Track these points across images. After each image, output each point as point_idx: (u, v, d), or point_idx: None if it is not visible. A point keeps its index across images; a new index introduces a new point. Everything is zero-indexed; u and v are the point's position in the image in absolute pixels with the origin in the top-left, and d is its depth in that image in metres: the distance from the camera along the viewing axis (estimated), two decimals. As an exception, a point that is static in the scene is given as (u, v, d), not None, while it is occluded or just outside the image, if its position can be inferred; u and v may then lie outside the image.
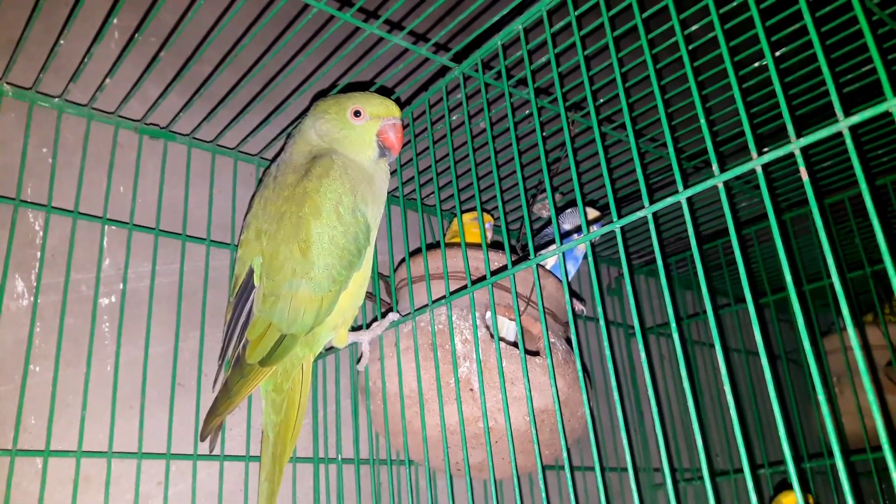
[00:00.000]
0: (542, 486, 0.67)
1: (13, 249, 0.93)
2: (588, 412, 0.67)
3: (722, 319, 1.93)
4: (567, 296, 0.70)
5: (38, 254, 0.96)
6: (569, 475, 0.66)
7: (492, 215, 1.33)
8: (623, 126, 1.17)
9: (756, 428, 1.67)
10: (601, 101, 1.05)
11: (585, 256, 1.25)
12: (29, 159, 0.98)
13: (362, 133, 0.92)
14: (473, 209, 1.33)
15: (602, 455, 1.48)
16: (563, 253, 0.71)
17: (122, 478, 0.94)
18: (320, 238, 0.86)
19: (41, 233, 0.98)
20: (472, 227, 1.23)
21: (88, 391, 0.91)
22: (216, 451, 0.99)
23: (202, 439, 0.91)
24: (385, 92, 1.07)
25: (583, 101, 1.13)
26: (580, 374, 0.74)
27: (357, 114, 0.92)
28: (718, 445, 1.78)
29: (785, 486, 1.47)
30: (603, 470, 0.65)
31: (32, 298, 0.94)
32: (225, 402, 0.88)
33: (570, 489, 0.66)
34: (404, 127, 0.97)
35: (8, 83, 0.97)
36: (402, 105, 1.01)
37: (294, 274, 0.86)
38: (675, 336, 0.61)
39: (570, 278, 1.29)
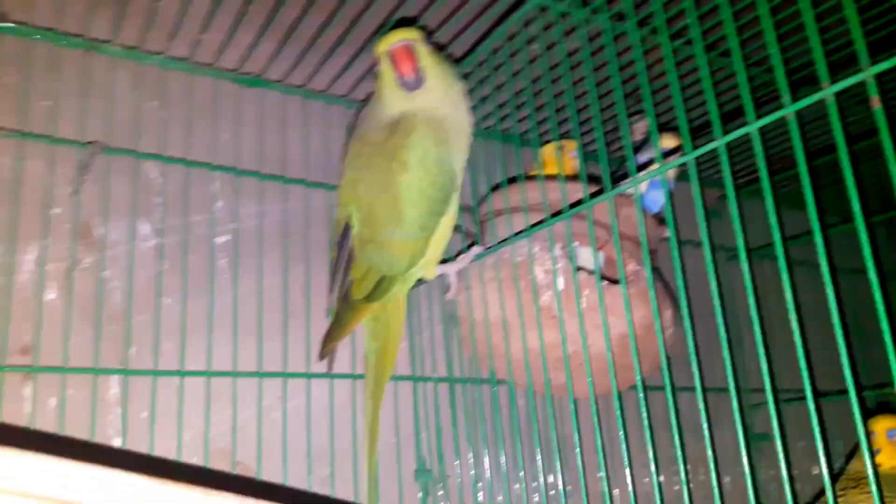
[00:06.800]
0: (644, 408, 0.70)
1: (137, 197, 1.05)
2: (690, 333, 0.68)
3: (831, 239, 1.82)
4: (670, 223, 0.71)
5: (159, 199, 1.08)
6: (669, 395, 0.69)
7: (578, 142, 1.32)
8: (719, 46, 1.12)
9: (861, 349, 1.60)
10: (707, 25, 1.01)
11: (679, 179, 1.22)
12: (141, 113, 1.09)
13: (385, 76, 0.91)
14: (564, 138, 1.31)
15: (703, 375, 1.48)
16: (652, 181, 0.71)
17: (246, 394, 1.06)
18: (409, 191, 0.91)
19: (160, 180, 1.09)
20: (563, 156, 1.23)
21: (213, 320, 1.03)
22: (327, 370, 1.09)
23: (321, 359, 1.03)
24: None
25: (684, 29, 1.08)
26: (652, 297, 0.76)
27: (377, 64, 0.93)
28: (823, 366, 1.73)
29: (885, 408, 1.42)
30: (704, 390, 0.67)
31: (159, 240, 1.06)
32: (338, 331, 0.99)
33: (672, 408, 0.69)
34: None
35: (118, 45, 1.06)
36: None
37: (387, 224, 0.92)
38: (781, 258, 0.59)
39: (661, 205, 1.27)
